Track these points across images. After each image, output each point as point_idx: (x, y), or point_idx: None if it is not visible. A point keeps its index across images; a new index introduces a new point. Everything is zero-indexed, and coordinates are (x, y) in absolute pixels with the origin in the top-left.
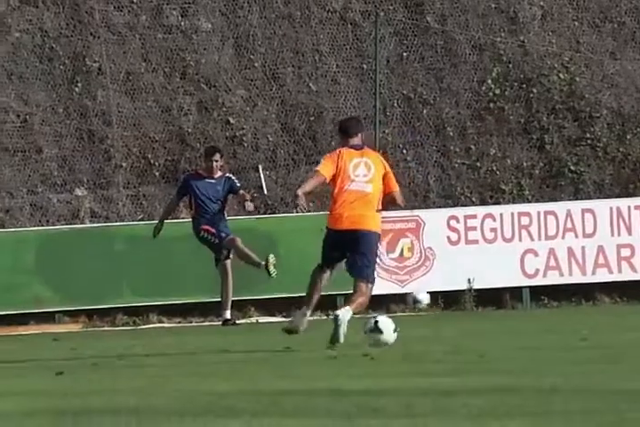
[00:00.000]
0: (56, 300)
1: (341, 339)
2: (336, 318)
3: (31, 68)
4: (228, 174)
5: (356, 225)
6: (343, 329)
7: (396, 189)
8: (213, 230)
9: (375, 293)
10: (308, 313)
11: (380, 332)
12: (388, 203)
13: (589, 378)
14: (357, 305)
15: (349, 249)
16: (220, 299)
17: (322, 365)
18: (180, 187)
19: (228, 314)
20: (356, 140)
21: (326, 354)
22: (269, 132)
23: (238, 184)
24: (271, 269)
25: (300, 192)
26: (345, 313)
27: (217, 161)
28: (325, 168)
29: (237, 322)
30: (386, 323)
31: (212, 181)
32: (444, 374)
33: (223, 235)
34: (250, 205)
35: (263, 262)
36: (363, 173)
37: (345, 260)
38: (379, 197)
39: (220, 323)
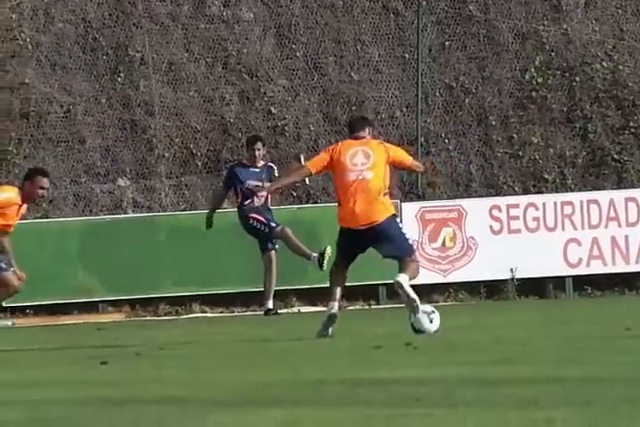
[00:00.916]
0: (99, 289)
1: (416, 299)
2: (397, 284)
3: (74, 58)
4: (269, 163)
5: (372, 219)
6: (408, 291)
7: (408, 162)
8: (262, 219)
9: (417, 282)
10: (336, 304)
11: (419, 331)
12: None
13: (634, 367)
14: (412, 271)
15: (374, 242)
16: (262, 289)
17: (363, 354)
18: (227, 177)
19: (270, 304)
20: (361, 135)
21: (368, 343)
22: (311, 121)
23: (277, 174)
24: (325, 261)
25: (272, 188)
26: (403, 277)
27: (259, 150)
28: (313, 163)
29: (279, 312)
30: (420, 321)
31: (256, 169)
32: (487, 363)
33: (273, 224)
34: (260, 197)
35: (315, 254)
36: (361, 161)
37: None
38: (384, 184)
39: (263, 313)
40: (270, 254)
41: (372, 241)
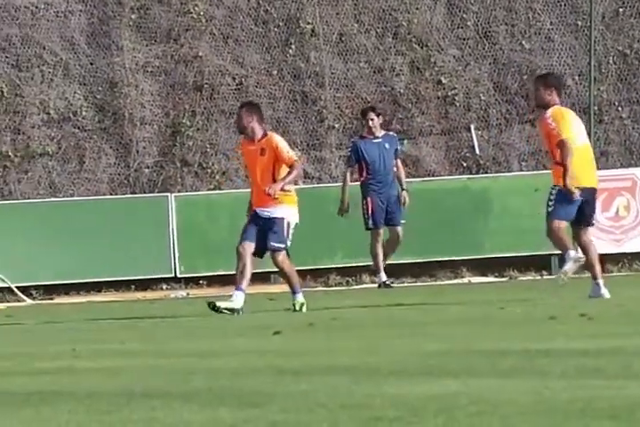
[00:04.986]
0: (271, 261)
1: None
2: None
3: (246, 31)
4: (391, 133)
5: (594, 183)
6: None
7: None
8: (371, 211)
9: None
10: (573, 253)
11: None
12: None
13: None
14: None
15: (586, 205)
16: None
17: (537, 325)
18: (350, 154)
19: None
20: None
21: (542, 314)
22: (481, 91)
23: (399, 148)
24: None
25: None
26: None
27: (373, 120)
28: (569, 133)
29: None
30: None
31: (378, 140)
32: None
33: (371, 224)
34: (406, 196)
35: (385, 279)
36: (581, 127)
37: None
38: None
39: (377, 286)
40: (397, 229)
41: (587, 203)
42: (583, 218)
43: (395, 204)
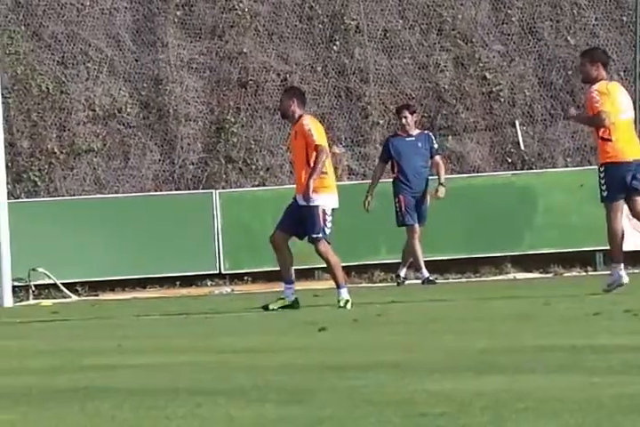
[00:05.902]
0: (315, 256)
1: None
2: None
3: (291, 27)
4: (426, 131)
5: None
6: None
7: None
8: (404, 208)
9: (634, 248)
10: (621, 266)
11: None
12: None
13: None
14: None
15: (635, 177)
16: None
17: (582, 321)
18: (382, 150)
19: (403, 272)
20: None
21: (587, 310)
22: (526, 87)
23: (436, 146)
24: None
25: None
26: None
27: (406, 117)
28: (610, 107)
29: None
30: None
31: (411, 138)
32: None
33: (407, 220)
34: (442, 191)
35: (427, 275)
36: (627, 100)
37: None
38: None
39: (397, 282)
40: (414, 228)
41: (634, 175)
42: (634, 188)
43: (420, 202)
